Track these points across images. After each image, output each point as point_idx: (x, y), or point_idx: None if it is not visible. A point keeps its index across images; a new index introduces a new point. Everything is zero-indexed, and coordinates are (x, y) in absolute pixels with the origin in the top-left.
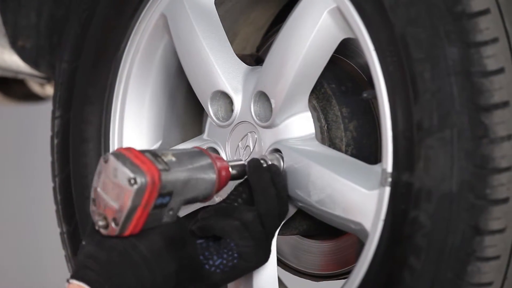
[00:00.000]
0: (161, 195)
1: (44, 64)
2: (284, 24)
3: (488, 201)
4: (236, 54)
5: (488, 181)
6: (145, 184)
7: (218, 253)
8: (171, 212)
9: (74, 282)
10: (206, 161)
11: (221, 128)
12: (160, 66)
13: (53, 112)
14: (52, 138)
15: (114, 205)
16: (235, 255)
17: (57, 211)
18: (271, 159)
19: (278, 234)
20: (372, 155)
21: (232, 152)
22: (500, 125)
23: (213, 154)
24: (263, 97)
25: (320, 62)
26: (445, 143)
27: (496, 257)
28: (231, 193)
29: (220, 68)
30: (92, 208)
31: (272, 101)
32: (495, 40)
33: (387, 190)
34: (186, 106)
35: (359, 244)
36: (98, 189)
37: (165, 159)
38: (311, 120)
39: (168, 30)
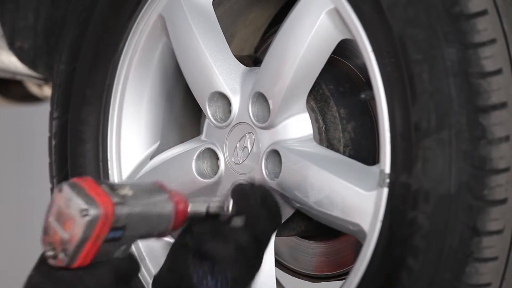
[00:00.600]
0: (113, 229)
1: (42, 65)
2: (282, 25)
3: (486, 202)
4: (234, 55)
5: (486, 182)
6: (98, 216)
7: (212, 274)
8: (123, 248)
9: None
10: (163, 196)
11: (219, 129)
12: (158, 67)
13: (51, 113)
14: (50, 139)
15: (65, 235)
16: (230, 278)
17: None
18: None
19: (276, 235)
20: (370, 156)
21: (230, 153)
22: (498, 126)
23: (173, 190)
24: (261, 98)
25: (318, 63)
26: (443, 144)
27: (494, 258)
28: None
29: (218, 69)
30: (43, 237)
31: (270, 102)
32: (493, 41)
33: (385, 191)
34: (184, 107)
35: (357, 245)
36: (50, 219)
37: (122, 193)
38: (309, 121)
39: (166, 31)
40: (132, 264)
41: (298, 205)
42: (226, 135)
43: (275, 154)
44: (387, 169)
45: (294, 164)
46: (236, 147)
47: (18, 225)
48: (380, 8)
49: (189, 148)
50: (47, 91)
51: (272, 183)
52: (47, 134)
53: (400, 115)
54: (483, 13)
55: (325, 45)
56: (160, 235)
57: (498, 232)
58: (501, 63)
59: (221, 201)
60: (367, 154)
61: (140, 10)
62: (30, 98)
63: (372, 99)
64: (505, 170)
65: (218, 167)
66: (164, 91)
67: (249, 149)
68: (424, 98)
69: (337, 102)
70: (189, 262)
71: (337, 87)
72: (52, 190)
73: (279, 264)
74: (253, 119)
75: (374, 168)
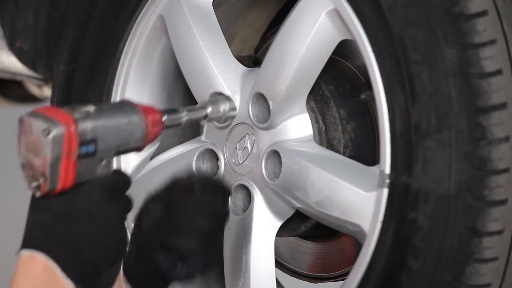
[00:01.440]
0: (83, 143)
1: (41, 65)
2: (282, 26)
3: (486, 203)
4: (234, 56)
5: (486, 183)
6: (61, 132)
7: (182, 259)
8: (103, 162)
9: (23, 252)
10: (129, 107)
11: (219, 129)
12: (158, 67)
13: None
14: None
15: (38, 161)
16: (200, 260)
17: None
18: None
19: (276, 236)
20: (370, 157)
21: (230, 154)
22: (498, 126)
23: (146, 105)
24: (261, 98)
25: (318, 64)
26: (443, 145)
27: (494, 259)
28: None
29: (218, 70)
30: (24, 174)
31: (270, 102)
32: (492, 41)
33: (385, 191)
34: None
35: (357, 246)
36: (22, 151)
37: (83, 110)
38: (309, 121)
39: (166, 32)
40: (121, 177)
41: (298, 205)
42: (226, 136)
43: (275, 155)
44: (387, 170)
45: (294, 164)
46: (236, 147)
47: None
48: (380, 9)
49: (189, 148)
50: (47, 91)
51: (272, 184)
52: None
53: (400, 116)
54: (483, 13)
55: (325, 45)
56: (138, 147)
57: (498, 232)
58: (501, 63)
59: (198, 109)
60: (367, 154)
61: (140, 10)
62: (30, 98)
63: (372, 99)
64: (505, 170)
65: (218, 167)
66: (164, 92)
67: (249, 149)
68: (424, 99)
69: (337, 102)
70: (154, 251)
71: (337, 87)
72: None
73: (279, 264)
74: (253, 119)
75: (374, 169)
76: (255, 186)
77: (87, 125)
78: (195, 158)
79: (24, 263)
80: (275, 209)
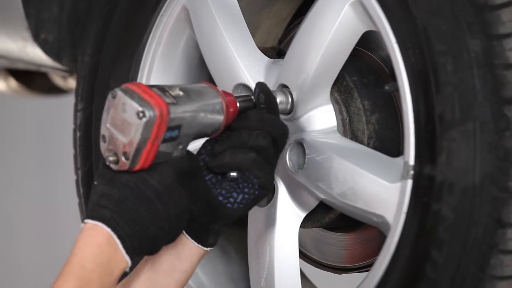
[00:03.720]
0: (169, 128)
1: (66, 57)
2: (306, 17)
3: (510, 194)
4: (258, 47)
5: (511, 174)
6: (154, 117)
7: (238, 188)
8: (180, 147)
9: (90, 221)
10: (213, 94)
11: None
12: (182, 59)
13: (76, 105)
14: (74, 131)
15: (124, 139)
16: (256, 186)
17: (80, 204)
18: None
19: (300, 227)
20: (394, 148)
21: None
22: None
23: (221, 89)
24: (285, 89)
25: (342, 55)
26: (468, 136)
27: None
28: (238, 121)
29: (242, 61)
30: (102, 145)
31: (294, 93)
32: None
33: (409, 183)
34: None
35: (382, 237)
36: (108, 125)
37: (173, 93)
38: (333, 113)
39: (190, 23)
40: (193, 162)
41: (322, 196)
42: None
43: (299, 146)
44: (411, 161)
45: (318, 155)
46: None
47: (42, 217)
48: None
49: None
50: (71, 83)
51: (296, 175)
52: (72, 126)
53: (424, 107)
54: (508, 4)
55: (348, 37)
56: (213, 133)
57: None
58: None
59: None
60: (391, 145)
61: (164, 2)
62: (54, 90)
63: (396, 90)
64: None
65: None
66: (187, 83)
67: None
68: (448, 90)
69: (361, 93)
70: (209, 184)
71: (361, 78)
72: (77, 182)
73: (303, 255)
74: None
75: (398, 160)
76: (278, 177)
77: (177, 111)
78: None
79: (89, 232)
80: (299, 200)
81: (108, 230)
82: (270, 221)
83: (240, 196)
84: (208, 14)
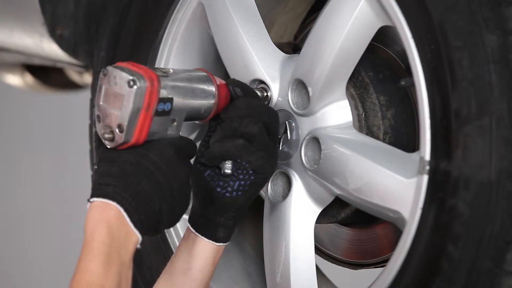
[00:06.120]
0: (161, 100)
1: (82, 52)
2: (322, 12)
3: None
4: (274, 42)
5: None
6: (145, 85)
7: (234, 177)
8: (175, 123)
9: (95, 200)
10: (203, 74)
11: None
12: (197, 54)
13: (92, 100)
14: (90, 126)
15: (117, 112)
16: (250, 172)
17: None
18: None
19: (316, 222)
20: (410, 143)
21: None
22: None
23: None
24: (300, 85)
25: (358, 50)
26: (484, 131)
27: None
28: (227, 111)
29: (257, 57)
30: (97, 125)
31: (310, 89)
32: None
33: (425, 178)
34: None
35: (397, 233)
36: (101, 103)
37: (163, 70)
38: (349, 108)
39: (205, 19)
40: (190, 144)
41: (337, 192)
42: None
43: (314, 141)
44: (427, 156)
45: (333, 151)
46: None
47: (59, 213)
48: None
49: None
50: (87, 78)
51: (311, 170)
52: (88, 121)
53: (440, 102)
54: None
55: (364, 32)
56: (208, 113)
57: None
58: None
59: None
60: (407, 141)
61: None
62: (70, 85)
63: (412, 86)
64: None
65: None
66: None
67: (289, 136)
68: (464, 85)
69: (377, 89)
70: (208, 179)
71: (376, 74)
72: (92, 177)
73: (319, 251)
74: (292, 106)
75: (414, 155)
76: (294, 173)
77: (168, 83)
78: None
79: (97, 209)
80: (314, 196)
81: (115, 204)
82: (285, 217)
83: (237, 184)
84: (224, 10)
